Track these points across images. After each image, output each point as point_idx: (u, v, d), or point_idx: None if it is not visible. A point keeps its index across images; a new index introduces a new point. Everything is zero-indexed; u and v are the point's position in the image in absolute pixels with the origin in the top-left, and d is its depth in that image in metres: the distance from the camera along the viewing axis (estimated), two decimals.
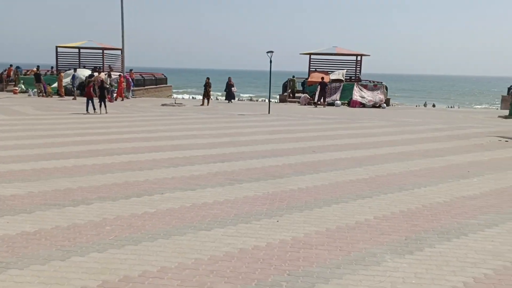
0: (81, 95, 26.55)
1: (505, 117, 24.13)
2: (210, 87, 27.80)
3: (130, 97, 30.27)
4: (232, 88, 30.01)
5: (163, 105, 26.21)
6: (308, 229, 5.80)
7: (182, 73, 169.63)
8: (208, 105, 27.16)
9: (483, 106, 53.18)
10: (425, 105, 45.54)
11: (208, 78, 28.09)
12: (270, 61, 22.81)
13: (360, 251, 5.12)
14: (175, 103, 27.00)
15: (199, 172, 8.98)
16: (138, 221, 5.97)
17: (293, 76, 33.56)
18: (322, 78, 29.52)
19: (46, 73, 34.55)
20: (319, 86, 28.73)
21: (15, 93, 30.46)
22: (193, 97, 46.54)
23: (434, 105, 45.84)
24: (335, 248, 5.18)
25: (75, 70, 29.91)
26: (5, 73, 34.21)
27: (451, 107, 46.37)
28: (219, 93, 48.70)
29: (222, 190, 7.62)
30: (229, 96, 30.35)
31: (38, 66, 32.95)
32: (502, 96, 39.57)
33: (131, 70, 33.84)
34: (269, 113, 22.65)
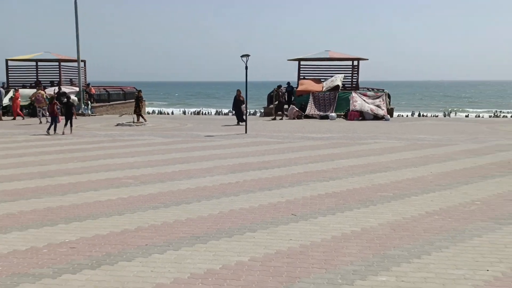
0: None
1: None
2: (141, 101, 22.90)
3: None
4: (242, 106, 21.72)
5: (118, 125, 21.20)
6: None
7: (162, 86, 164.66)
8: (142, 121, 22.07)
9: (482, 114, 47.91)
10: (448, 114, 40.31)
11: (139, 91, 22.97)
12: (246, 67, 17.96)
13: None
14: (133, 122, 21.97)
15: None
16: None
17: (279, 86, 28.66)
18: (279, 86, 25.30)
19: None
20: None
21: None
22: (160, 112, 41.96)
23: (421, 114, 40.67)
24: None
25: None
26: None
27: (448, 116, 41.39)
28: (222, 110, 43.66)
29: None
30: (239, 115, 22.01)
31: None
32: None
33: (88, 84, 28.86)
34: (246, 132, 17.69)
